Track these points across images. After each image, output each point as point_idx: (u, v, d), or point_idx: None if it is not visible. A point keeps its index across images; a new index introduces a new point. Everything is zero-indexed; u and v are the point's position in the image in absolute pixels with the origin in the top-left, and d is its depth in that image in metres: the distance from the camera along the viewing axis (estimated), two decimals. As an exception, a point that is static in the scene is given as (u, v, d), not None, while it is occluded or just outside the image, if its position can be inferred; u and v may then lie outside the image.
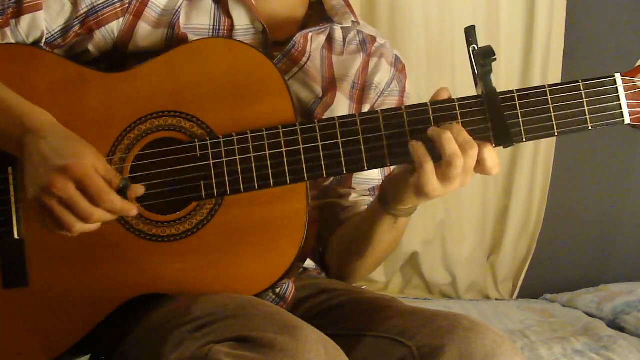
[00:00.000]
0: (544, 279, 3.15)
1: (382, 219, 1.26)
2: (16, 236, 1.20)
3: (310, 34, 1.35)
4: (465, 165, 1.11)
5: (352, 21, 1.38)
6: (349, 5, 1.39)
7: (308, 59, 1.35)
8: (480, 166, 1.13)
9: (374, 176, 1.41)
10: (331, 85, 1.37)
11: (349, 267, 1.38)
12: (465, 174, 1.12)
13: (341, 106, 1.37)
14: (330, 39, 1.40)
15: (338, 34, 1.40)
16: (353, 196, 1.40)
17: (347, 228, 1.37)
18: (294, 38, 1.33)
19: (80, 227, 1.11)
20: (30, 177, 1.11)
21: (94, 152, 1.12)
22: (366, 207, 1.39)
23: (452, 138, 1.10)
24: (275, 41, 1.32)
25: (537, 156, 3.11)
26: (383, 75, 1.41)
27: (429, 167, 1.11)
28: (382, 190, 1.25)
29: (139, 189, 1.14)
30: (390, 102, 1.41)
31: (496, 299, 3.11)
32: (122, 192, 1.12)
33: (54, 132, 1.13)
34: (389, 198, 1.23)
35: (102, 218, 1.11)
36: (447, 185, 1.12)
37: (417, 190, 1.14)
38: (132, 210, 1.13)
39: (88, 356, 1.29)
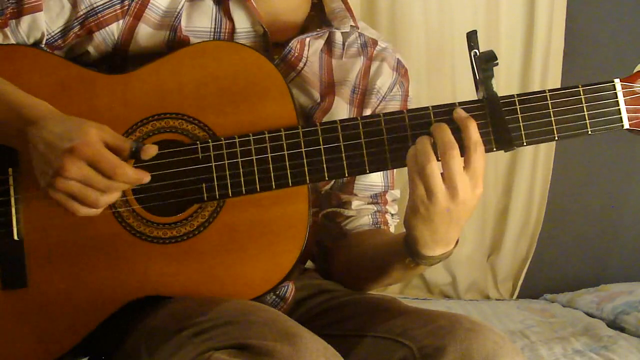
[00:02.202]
0: (544, 279, 3.16)
1: (403, 262, 1.21)
2: (16, 237, 1.19)
3: (307, 39, 1.35)
4: (447, 166, 1.08)
5: (351, 26, 1.37)
6: (348, 9, 1.38)
7: (305, 64, 1.34)
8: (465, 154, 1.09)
9: (376, 182, 1.40)
10: (329, 89, 1.37)
11: (354, 285, 1.37)
12: (450, 180, 1.09)
13: (340, 111, 1.36)
14: (329, 43, 1.39)
15: (338, 37, 1.39)
16: (355, 204, 1.38)
17: (359, 252, 1.34)
18: (290, 43, 1.32)
19: (104, 199, 1.11)
20: (40, 167, 1.10)
21: (96, 126, 1.11)
22: (372, 218, 1.38)
23: (427, 140, 1.10)
24: (276, 43, 1.32)
25: (537, 156, 3.11)
26: (385, 79, 1.40)
27: (417, 185, 1.09)
28: (405, 234, 1.20)
29: (151, 149, 1.13)
30: (393, 106, 1.40)
31: (496, 299, 3.11)
32: (135, 155, 1.12)
33: (53, 119, 1.13)
34: (409, 242, 1.18)
35: (121, 187, 1.12)
36: (432, 197, 1.09)
37: (412, 210, 1.12)
38: (146, 177, 1.13)
39: (87, 358, 1.28)
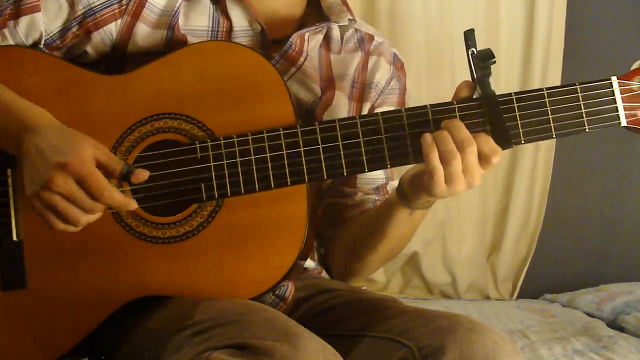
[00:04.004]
0: (544, 279, 3.15)
1: (399, 210, 1.26)
2: (15, 238, 1.19)
3: (307, 34, 1.35)
4: (466, 162, 1.12)
5: (349, 19, 1.38)
6: (345, 3, 1.39)
7: (305, 59, 1.35)
8: (481, 159, 1.13)
9: (378, 176, 1.41)
10: (329, 84, 1.37)
11: (356, 264, 1.38)
12: (469, 173, 1.13)
13: (341, 105, 1.37)
14: (327, 38, 1.40)
15: (335, 32, 1.40)
16: (358, 195, 1.40)
17: (358, 223, 1.37)
18: (290, 39, 1.33)
19: (84, 219, 1.11)
20: (29, 175, 1.10)
21: (93, 143, 1.11)
22: (372, 205, 1.39)
23: (448, 136, 1.12)
24: (274, 40, 1.32)
25: (537, 156, 3.11)
26: (382, 73, 1.41)
27: (441, 174, 1.12)
28: (400, 184, 1.25)
29: (142, 174, 1.14)
30: (391, 100, 1.41)
31: (496, 299, 3.11)
32: (125, 178, 1.13)
33: (51, 129, 1.13)
34: (406, 191, 1.23)
35: (104, 210, 1.12)
36: (452, 186, 1.13)
37: (428, 191, 1.16)
38: (132, 204, 1.13)
39: (86, 359, 1.28)
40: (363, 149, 1.16)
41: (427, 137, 1.13)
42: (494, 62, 1.13)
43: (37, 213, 1.11)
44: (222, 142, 1.18)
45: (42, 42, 1.27)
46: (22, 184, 1.16)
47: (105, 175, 1.11)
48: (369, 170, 1.18)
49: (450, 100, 1.18)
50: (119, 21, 1.27)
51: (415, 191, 1.21)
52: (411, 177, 1.22)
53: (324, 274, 1.44)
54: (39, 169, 1.09)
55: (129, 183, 1.14)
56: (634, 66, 1.18)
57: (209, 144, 1.18)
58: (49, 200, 1.09)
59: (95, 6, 1.26)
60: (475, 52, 1.15)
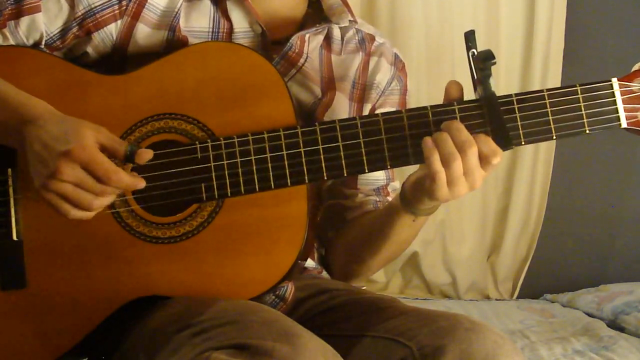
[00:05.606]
0: (544, 279, 3.15)
1: (401, 216, 1.26)
2: (15, 237, 1.19)
3: (307, 35, 1.36)
4: (467, 164, 1.11)
5: (350, 20, 1.38)
6: (346, 4, 1.39)
7: (305, 60, 1.35)
8: (481, 160, 1.13)
9: (379, 177, 1.41)
10: (330, 85, 1.37)
11: (358, 266, 1.38)
12: (470, 175, 1.12)
13: (341, 106, 1.37)
14: (328, 39, 1.40)
15: (336, 33, 1.40)
16: (359, 197, 1.40)
17: (360, 225, 1.37)
18: (291, 40, 1.33)
19: (97, 203, 1.11)
20: (35, 167, 1.10)
21: (93, 127, 1.11)
22: (373, 206, 1.39)
23: (449, 138, 1.12)
24: (274, 41, 1.32)
25: (537, 156, 3.11)
26: (384, 74, 1.41)
27: (443, 177, 1.12)
28: (403, 188, 1.25)
29: (145, 154, 1.13)
30: (392, 101, 1.42)
31: (496, 299, 3.11)
32: (129, 158, 1.12)
33: (51, 119, 1.13)
34: (408, 197, 1.23)
35: (116, 192, 1.12)
36: (453, 189, 1.13)
37: (430, 195, 1.15)
38: (141, 183, 1.13)
39: (86, 359, 1.28)
40: (363, 150, 1.16)
41: (428, 141, 1.13)
42: (494, 63, 1.13)
43: (49, 204, 1.11)
44: (223, 142, 1.18)
45: (43, 43, 1.27)
46: (22, 183, 1.16)
47: (109, 157, 1.11)
48: (370, 171, 1.18)
49: (442, 101, 1.18)
50: (119, 22, 1.27)
51: (418, 196, 1.21)
52: (413, 183, 1.21)
53: (324, 274, 1.44)
54: (44, 160, 1.09)
55: (133, 164, 1.13)
56: (635, 67, 1.18)
57: (210, 144, 1.18)
58: (58, 189, 1.08)
59: (95, 7, 1.26)
60: (476, 53, 1.15)
